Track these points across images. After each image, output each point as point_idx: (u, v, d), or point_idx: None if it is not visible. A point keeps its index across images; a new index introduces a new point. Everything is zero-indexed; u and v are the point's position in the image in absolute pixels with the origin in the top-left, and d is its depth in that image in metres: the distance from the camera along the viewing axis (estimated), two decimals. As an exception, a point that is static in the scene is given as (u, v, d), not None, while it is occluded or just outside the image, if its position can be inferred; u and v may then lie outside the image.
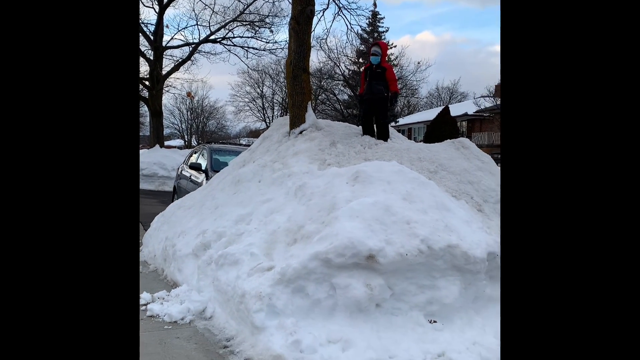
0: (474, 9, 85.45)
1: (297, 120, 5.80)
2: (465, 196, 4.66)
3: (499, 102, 28.66)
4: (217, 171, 7.15)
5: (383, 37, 34.27)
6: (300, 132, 5.69)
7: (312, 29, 6.26)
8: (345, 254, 3.42)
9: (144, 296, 4.26)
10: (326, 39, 18.60)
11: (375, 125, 5.78)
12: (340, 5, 9.62)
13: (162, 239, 5.63)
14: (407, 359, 3.14)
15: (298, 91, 5.82)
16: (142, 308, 4.07)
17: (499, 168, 5.45)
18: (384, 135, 5.66)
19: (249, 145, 8.83)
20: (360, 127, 5.99)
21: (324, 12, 11.69)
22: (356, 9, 19.70)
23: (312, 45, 6.24)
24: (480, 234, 3.96)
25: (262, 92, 43.89)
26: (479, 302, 3.79)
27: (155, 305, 4.07)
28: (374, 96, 5.64)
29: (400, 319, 3.50)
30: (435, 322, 3.53)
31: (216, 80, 78.55)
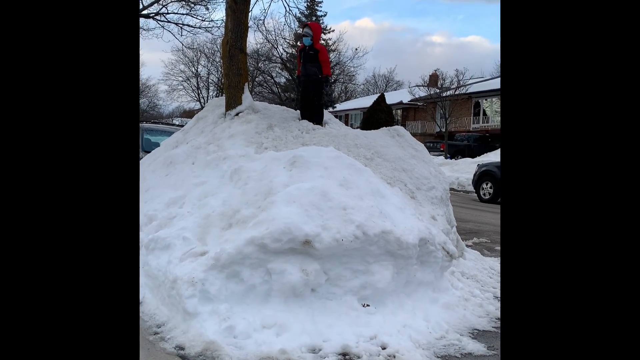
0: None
1: (233, 102, 5.67)
2: (400, 183, 4.77)
3: (432, 92, 29.55)
4: (149, 152, 6.87)
5: (321, 21, 34.22)
6: (237, 114, 5.57)
7: (250, 9, 6.11)
8: (282, 239, 3.40)
9: (68, 282, 4.05)
10: (264, 19, 18.30)
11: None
12: (280, -14, 9.44)
13: (87, 221, 5.35)
14: (341, 343, 3.18)
15: (234, 72, 5.68)
16: (65, 295, 3.87)
17: (432, 156, 5.62)
18: (318, 118, 5.66)
19: (182, 126, 8.55)
20: (299, 111, 5.96)
21: (263, -8, 11.44)
22: (295, -10, 19.51)
23: (249, 25, 6.10)
24: (412, 220, 4.07)
25: (197, 71, 42.68)
26: (410, 286, 3.90)
27: (80, 291, 3.87)
28: (308, 78, 5.63)
29: (335, 303, 3.53)
30: (368, 305, 3.60)
31: (148, 57, 75.42)
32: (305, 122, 5.54)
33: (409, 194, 4.72)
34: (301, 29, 6.15)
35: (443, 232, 4.55)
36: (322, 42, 34.26)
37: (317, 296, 3.51)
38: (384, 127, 5.79)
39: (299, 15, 31.05)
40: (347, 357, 3.12)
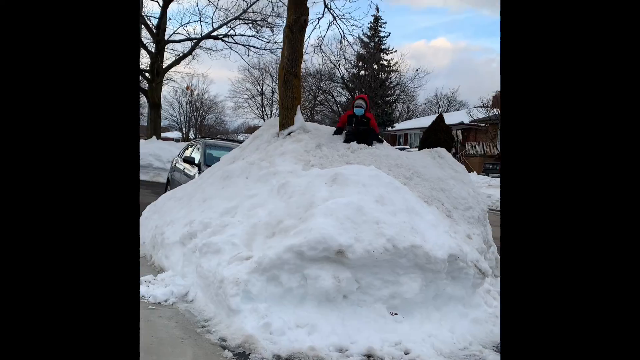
0: (491, 17, 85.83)
1: (286, 122, 6.12)
2: (437, 202, 5.00)
3: (491, 114, 29.04)
4: (210, 165, 7.45)
5: (383, 42, 34.72)
6: (289, 134, 6.01)
7: (307, 36, 6.59)
8: (317, 247, 3.75)
9: (132, 278, 4.57)
10: (320, 46, 19.40)
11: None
12: (335, 15, 10.00)
13: (152, 227, 5.94)
14: (366, 345, 3.47)
15: (289, 95, 6.15)
16: (129, 289, 4.39)
17: (471, 177, 5.80)
18: (371, 140, 5.83)
19: (242, 142, 9.14)
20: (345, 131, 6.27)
21: (319, 20, 12.05)
22: (350, 19, 20.48)
23: (309, 51, 6.56)
24: (444, 237, 4.30)
25: (262, 89, 44.22)
26: (439, 299, 4.13)
27: (142, 287, 4.38)
28: (360, 131, 5.84)
29: (365, 309, 3.83)
30: (396, 314, 3.86)
31: (217, 74, 78.90)
32: (354, 143, 5.85)
33: (446, 212, 4.94)
34: (353, 99, 6.35)
35: (478, 251, 4.73)
36: (384, 62, 34.79)
37: (348, 302, 3.83)
38: (426, 149, 6.03)
39: (362, 36, 31.69)
40: (370, 358, 3.40)
